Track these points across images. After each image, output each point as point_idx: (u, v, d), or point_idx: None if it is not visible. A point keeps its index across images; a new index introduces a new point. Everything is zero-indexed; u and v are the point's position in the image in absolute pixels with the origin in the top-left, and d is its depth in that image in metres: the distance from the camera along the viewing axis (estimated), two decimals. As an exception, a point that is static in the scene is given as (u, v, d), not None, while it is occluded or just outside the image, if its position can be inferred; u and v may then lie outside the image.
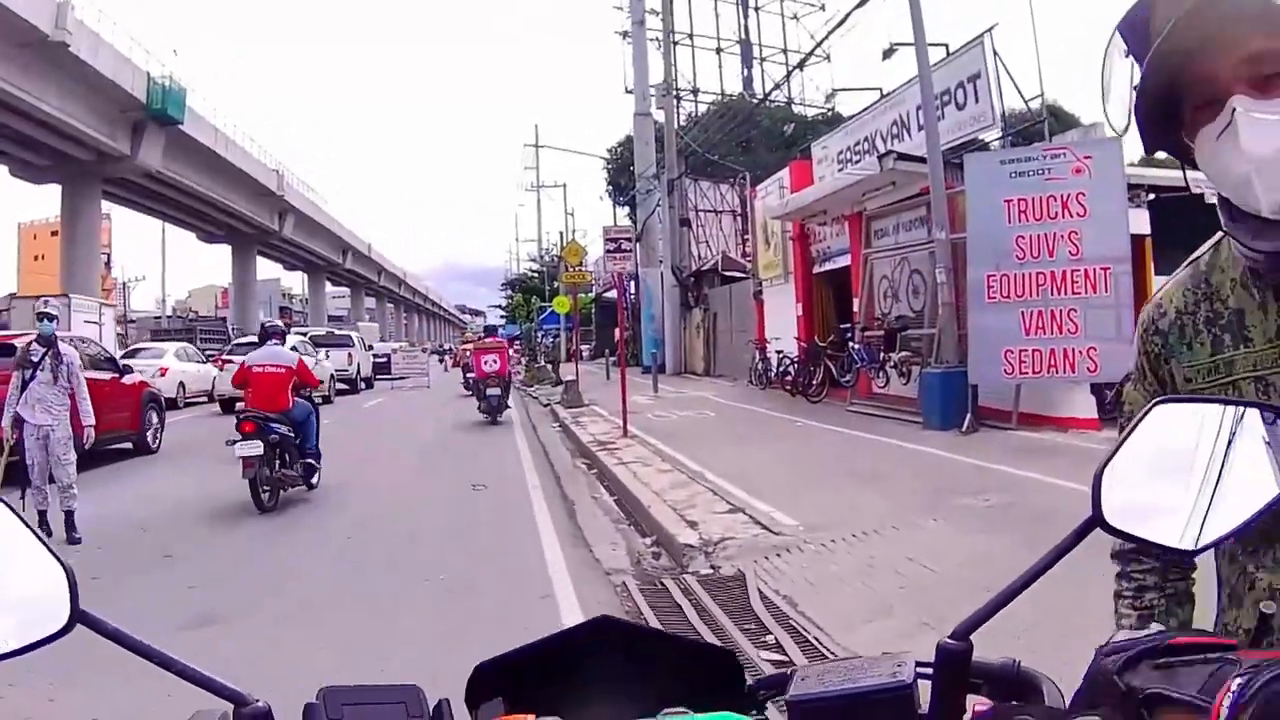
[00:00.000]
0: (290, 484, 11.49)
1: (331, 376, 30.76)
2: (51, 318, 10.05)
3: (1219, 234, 1.55)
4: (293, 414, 11.66)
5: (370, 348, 41.82)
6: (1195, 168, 1.44)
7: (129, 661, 1.05)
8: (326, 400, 28.93)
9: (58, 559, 0.98)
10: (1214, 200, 1.48)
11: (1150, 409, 1.16)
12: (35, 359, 9.78)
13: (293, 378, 11.86)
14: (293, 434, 11.53)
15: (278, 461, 11.21)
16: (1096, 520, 1.09)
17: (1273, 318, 1.48)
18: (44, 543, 0.99)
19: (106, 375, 15.90)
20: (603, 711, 1.16)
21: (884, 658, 1.06)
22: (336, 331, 41.88)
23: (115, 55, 39.07)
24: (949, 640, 1.04)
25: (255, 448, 10.65)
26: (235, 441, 10.73)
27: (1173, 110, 1.41)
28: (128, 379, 17.00)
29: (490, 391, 21.42)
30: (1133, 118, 1.41)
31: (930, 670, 1.05)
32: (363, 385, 35.79)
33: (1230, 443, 1.13)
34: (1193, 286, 1.60)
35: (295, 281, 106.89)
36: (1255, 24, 1.32)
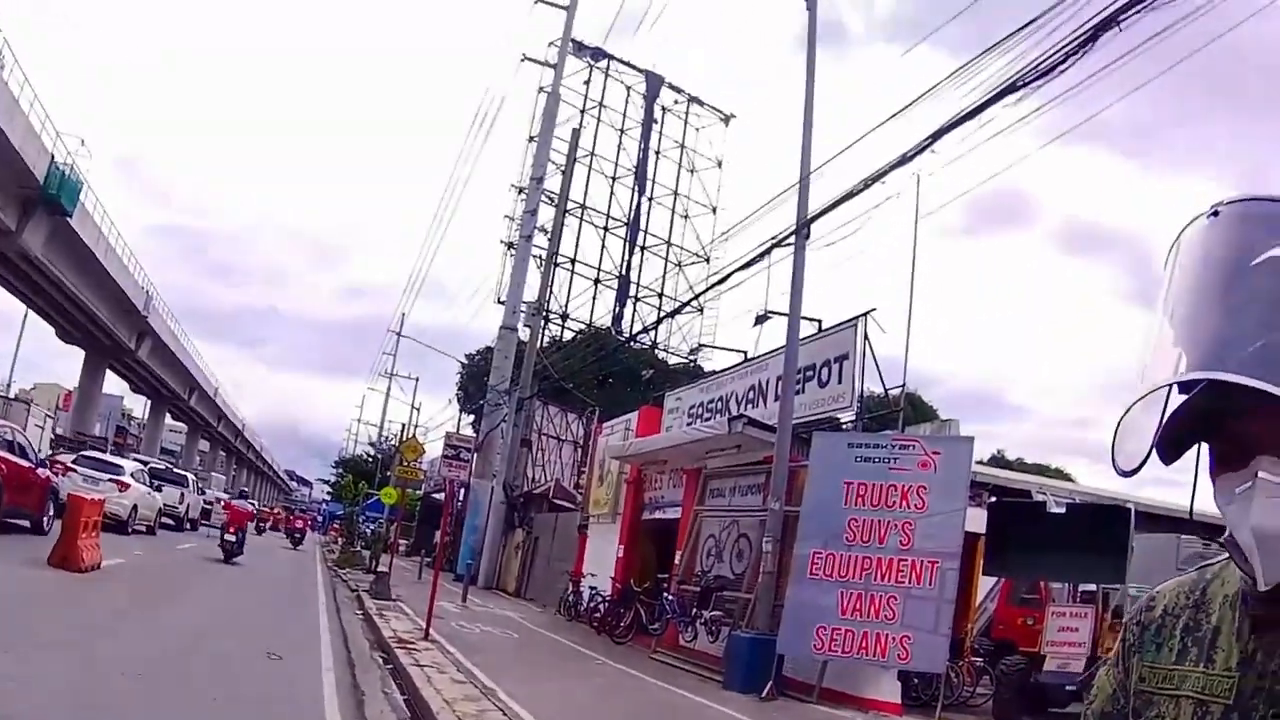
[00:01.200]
0: (237, 555, 25.11)
1: (160, 510, 31.62)
2: None
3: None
4: (243, 527, 25.81)
5: (203, 493, 48.63)
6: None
7: None
8: (150, 531, 29.50)
9: None
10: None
11: None
12: None
13: (248, 513, 25.47)
14: (243, 535, 25.92)
15: (238, 545, 25.08)
16: None
17: (1240, 646, 1.40)
18: None
19: (26, 463, 19.26)
20: None
21: None
22: (175, 469, 44.52)
23: (27, 127, 37.82)
24: None
25: (235, 537, 24.90)
26: (225, 535, 25.29)
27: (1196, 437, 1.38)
28: (41, 471, 20.32)
29: (296, 535, 45.20)
30: (1152, 453, 1.34)
31: None
32: (187, 525, 35.65)
33: None
34: (1189, 589, 1.55)
35: (137, 405, 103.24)
36: None
